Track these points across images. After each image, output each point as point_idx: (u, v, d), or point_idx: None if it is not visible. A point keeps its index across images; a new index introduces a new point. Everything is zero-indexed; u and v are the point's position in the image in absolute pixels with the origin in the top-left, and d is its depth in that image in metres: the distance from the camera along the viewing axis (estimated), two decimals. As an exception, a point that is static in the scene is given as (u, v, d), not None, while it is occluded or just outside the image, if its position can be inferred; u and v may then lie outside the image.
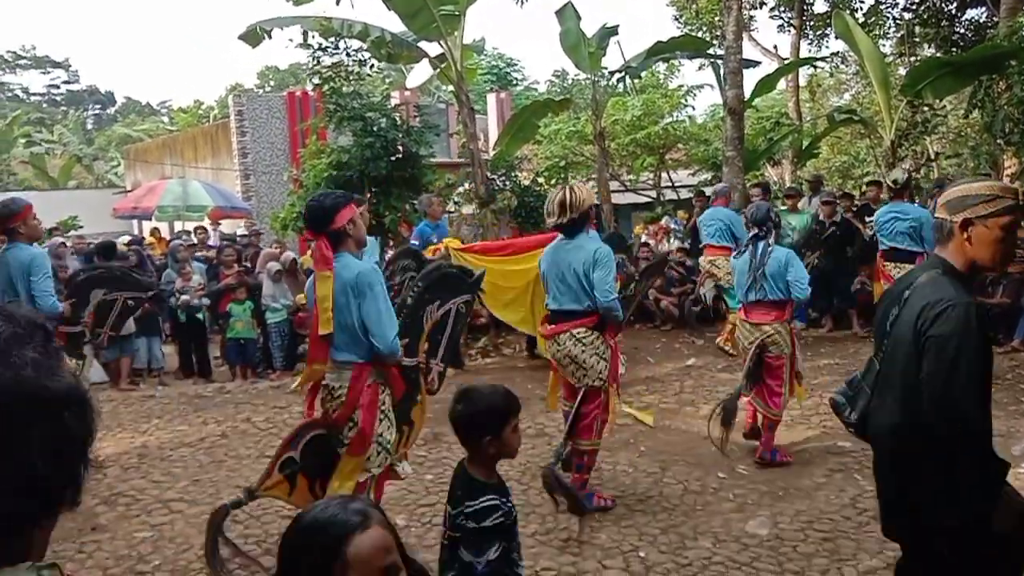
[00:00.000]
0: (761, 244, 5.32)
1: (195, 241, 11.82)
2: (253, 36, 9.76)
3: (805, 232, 9.11)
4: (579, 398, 4.55)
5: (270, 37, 9.69)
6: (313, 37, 10.03)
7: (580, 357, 4.48)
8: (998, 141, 10.43)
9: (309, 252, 12.12)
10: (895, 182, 8.00)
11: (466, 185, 12.23)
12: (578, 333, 4.48)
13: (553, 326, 4.61)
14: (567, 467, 4.57)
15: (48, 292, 5.34)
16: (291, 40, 10.09)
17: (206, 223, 14.45)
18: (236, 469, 5.53)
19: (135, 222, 18.64)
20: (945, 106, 13.09)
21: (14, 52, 51.23)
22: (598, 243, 4.57)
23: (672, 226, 13.65)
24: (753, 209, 5.62)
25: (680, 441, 5.84)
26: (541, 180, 12.95)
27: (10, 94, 51.26)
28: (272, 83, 42.81)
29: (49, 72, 52.85)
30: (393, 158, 10.15)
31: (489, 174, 11.15)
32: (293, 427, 4.07)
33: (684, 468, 5.29)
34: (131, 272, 7.46)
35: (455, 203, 12.77)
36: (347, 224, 3.51)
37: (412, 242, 8.39)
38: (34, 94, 52.77)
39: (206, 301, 9.55)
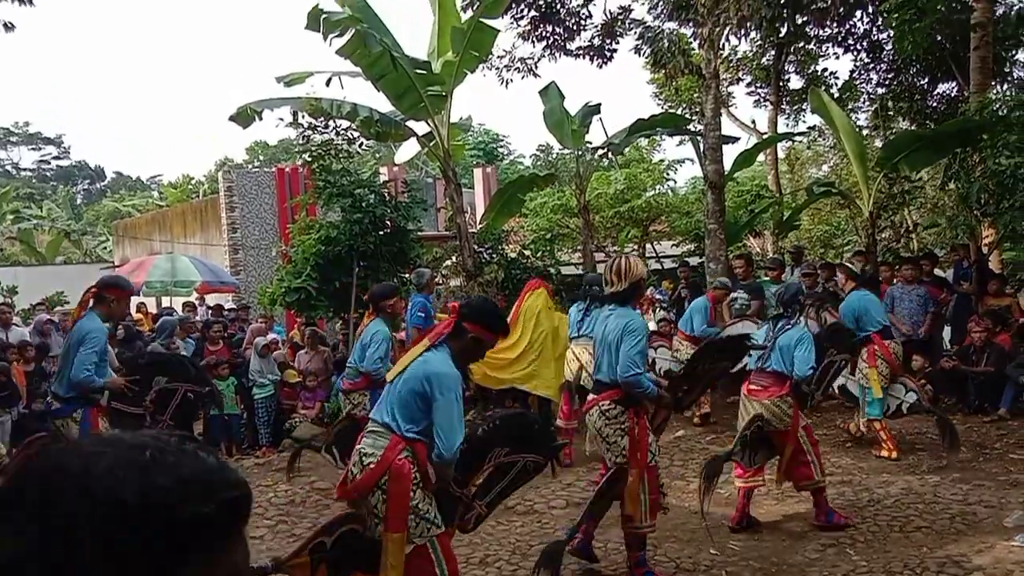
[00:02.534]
0: (782, 321, 5.56)
1: (188, 318, 11.82)
2: (243, 117, 9.94)
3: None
4: (606, 475, 4.53)
5: (260, 118, 9.87)
6: (303, 117, 10.23)
7: (604, 431, 4.48)
8: (975, 212, 10.65)
9: (296, 328, 12.00)
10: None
11: (453, 258, 12.34)
12: (603, 406, 4.49)
13: (589, 399, 4.67)
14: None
15: (85, 364, 5.25)
16: (281, 119, 10.28)
17: (194, 298, 14.44)
18: (220, 552, 5.41)
19: (122, 297, 18.58)
20: (922, 177, 13.41)
21: (7, 129, 51.92)
22: (632, 315, 4.52)
23: (657, 296, 13.77)
24: (782, 290, 5.88)
25: (671, 517, 5.75)
26: (527, 253, 13.09)
27: (0, 170, 51.71)
28: (261, 158, 43.35)
29: (40, 148, 53.47)
30: (381, 232, 10.27)
31: (476, 247, 11.26)
32: (334, 514, 3.97)
33: (676, 545, 5.22)
34: (192, 363, 7.27)
35: (443, 276, 12.85)
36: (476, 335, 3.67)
37: (418, 314, 8.42)
38: (24, 169, 53.26)
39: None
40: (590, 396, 4.70)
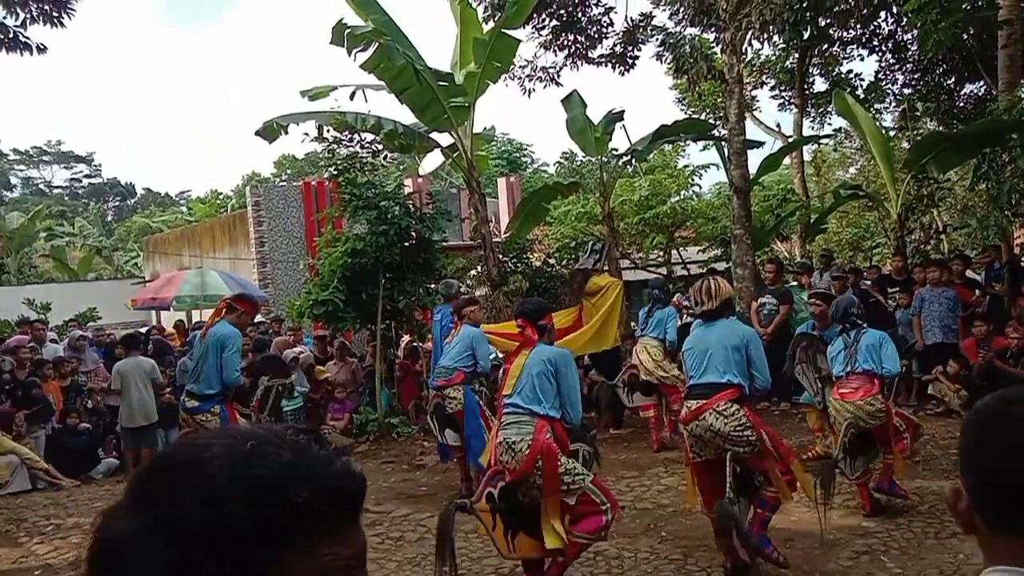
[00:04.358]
0: (853, 332, 5.79)
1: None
2: (269, 131, 10.07)
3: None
4: (733, 464, 4.64)
5: (286, 132, 9.99)
6: (328, 131, 10.33)
7: (724, 430, 4.60)
8: (1005, 212, 10.48)
9: (315, 342, 12.02)
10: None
11: (478, 268, 12.38)
12: (719, 407, 4.63)
13: (696, 404, 4.73)
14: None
15: (235, 367, 6.10)
16: (306, 134, 10.36)
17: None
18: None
19: (153, 312, 18.85)
20: (950, 178, 13.22)
21: (39, 147, 52.94)
22: (745, 326, 5.14)
23: (685, 303, 13.71)
24: (833, 308, 6.13)
25: (702, 525, 5.72)
26: (552, 261, 13.07)
27: (34, 188, 52.71)
28: (289, 171, 43.67)
29: (72, 167, 54.41)
30: (407, 244, 10.33)
31: (501, 256, 11.28)
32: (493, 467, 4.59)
33: (707, 554, 5.19)
34: (278, 358, 8.58)
35: (468, 286, 12.89)
36: (550, 324, 4.70)
37: (448, 325, 8.43)
38: (56, 187, 54.20)
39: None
40: (694, 402, 4.73)
